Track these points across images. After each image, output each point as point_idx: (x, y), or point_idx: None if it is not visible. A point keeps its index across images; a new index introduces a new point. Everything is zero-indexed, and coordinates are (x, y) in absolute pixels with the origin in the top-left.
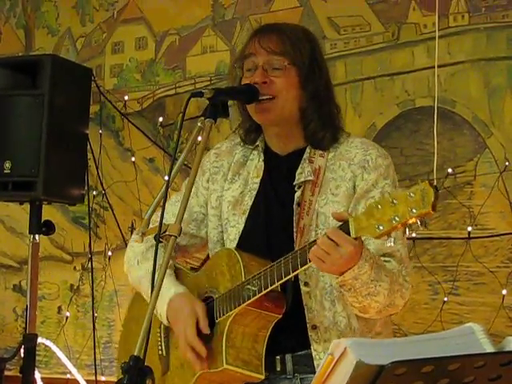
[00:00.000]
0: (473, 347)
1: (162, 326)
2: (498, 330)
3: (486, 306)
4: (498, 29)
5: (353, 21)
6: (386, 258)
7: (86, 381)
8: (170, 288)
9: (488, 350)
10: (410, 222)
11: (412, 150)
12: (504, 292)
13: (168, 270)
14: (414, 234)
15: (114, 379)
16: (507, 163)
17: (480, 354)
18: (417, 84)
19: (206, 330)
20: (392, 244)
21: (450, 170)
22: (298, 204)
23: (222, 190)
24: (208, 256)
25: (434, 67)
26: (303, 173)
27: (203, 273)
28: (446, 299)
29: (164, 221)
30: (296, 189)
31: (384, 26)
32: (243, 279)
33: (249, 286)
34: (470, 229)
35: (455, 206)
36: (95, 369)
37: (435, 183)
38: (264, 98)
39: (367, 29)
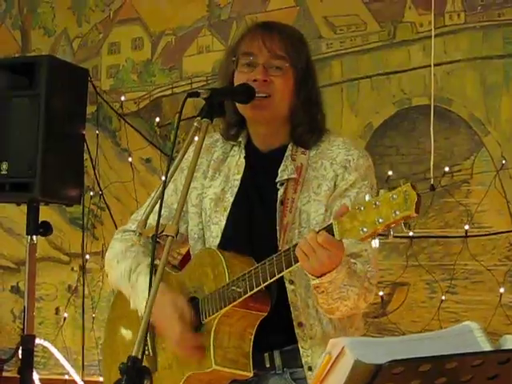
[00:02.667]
0: (470, 346)
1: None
2: (496, 329)
3: (484, 305)
4: (494, 27)
5: (349, 20)
6: (352, 260)
7: (84, 381)
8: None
9: (485, 349)
10: (394, 223)
11: (409, 148)
12: (501, 290)
13: (146, 269)
14: (411, 233)
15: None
16: (504, 161)
17: (477, 352)
18: (413, 83)
19: (192, 322)
20: (377, 245)
21: (446, 169)
22: (281, 202)
23: (202, 187)
24: (188, 252)
25: (430, 66)
26: (286, 170)
27: (186, 272)
28: (443, 298)
29: (136, 216)
30: (278, 186)
31: (380, 25)
32: (227, 279)
33: (234, 288)
34: (467, 227)
35: (452, 205)
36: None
37: (432, 182)
38: (261, 95)
39: (363, 28)
